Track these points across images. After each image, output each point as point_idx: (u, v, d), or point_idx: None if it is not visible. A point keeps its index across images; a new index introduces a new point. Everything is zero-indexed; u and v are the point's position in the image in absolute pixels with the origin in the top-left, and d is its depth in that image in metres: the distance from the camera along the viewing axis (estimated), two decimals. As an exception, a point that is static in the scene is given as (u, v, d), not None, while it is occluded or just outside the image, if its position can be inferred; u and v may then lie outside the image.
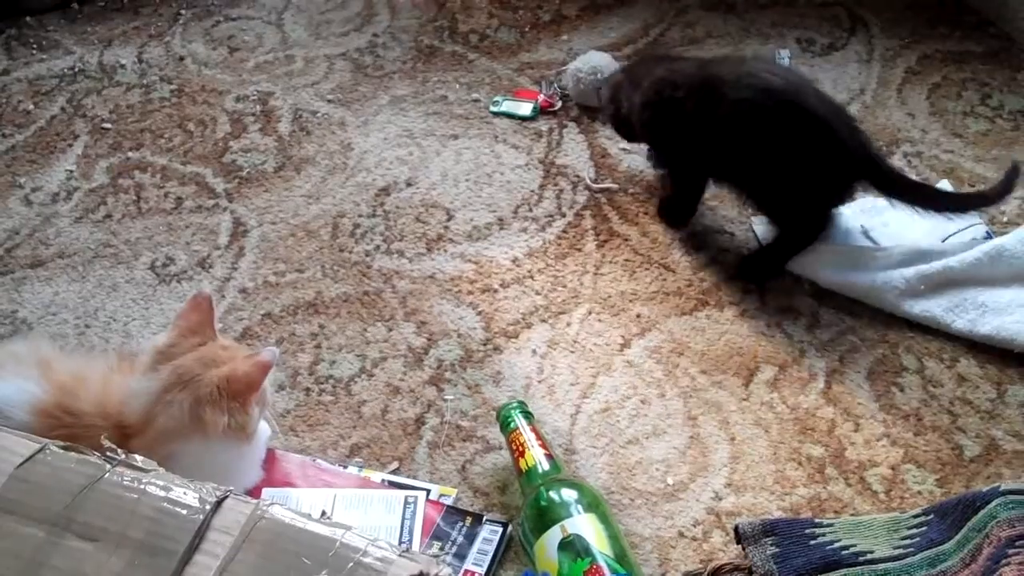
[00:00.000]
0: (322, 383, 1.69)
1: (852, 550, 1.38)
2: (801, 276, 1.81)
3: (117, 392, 1.37)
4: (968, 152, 2.02)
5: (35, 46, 2.34)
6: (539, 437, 1.51)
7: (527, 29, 2.35)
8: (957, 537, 1.37)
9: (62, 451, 1.08)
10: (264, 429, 1.50)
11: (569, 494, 1.44)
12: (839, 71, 2.20)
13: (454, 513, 1.50)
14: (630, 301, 1.80)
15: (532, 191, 1.99)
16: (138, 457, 1.08)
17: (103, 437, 1.10)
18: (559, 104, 2.15)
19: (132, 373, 1.40)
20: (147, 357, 1.40)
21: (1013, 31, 2.24)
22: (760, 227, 1.89)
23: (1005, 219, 1.89)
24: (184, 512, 1.03)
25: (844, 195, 1.80)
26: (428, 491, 1.53)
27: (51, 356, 1.44)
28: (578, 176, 2.01)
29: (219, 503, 1.04)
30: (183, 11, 2.42)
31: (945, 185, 1.91)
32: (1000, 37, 2.26)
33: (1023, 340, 1.67)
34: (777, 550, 1.39)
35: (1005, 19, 2.26)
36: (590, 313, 1.78)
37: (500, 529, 1.48)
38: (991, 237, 1.82)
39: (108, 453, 1.08)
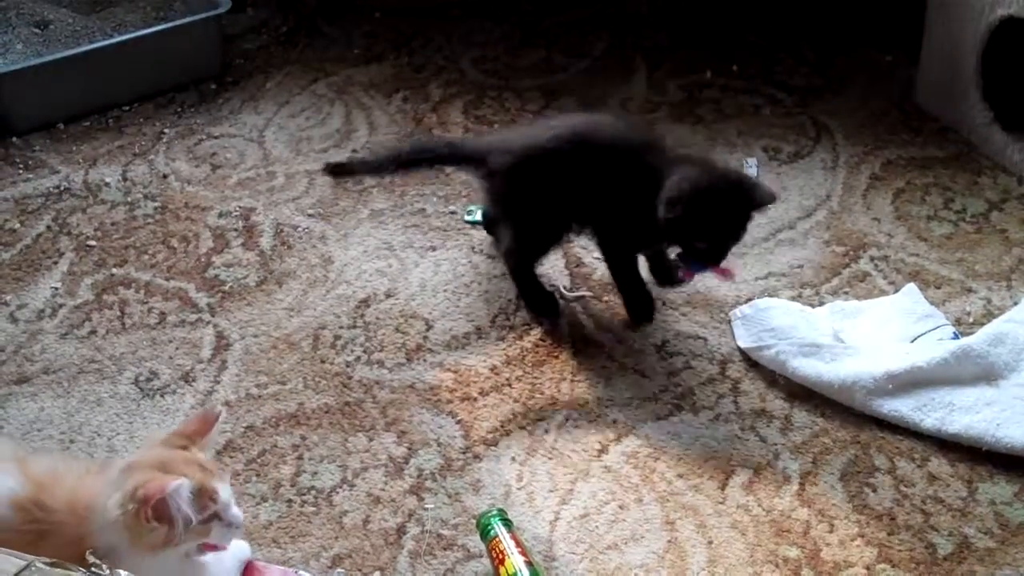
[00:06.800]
0: (304, 494, 1.70)
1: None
2: (774, 372, 1.85)
3: (89, 492, 1.36)
4: (933, 255, 2.08)
5: (21, 166, 2.38)
6: (519, 544, 1.53)
7: (502, 142, 2.40)
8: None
9: (47, 567, 1.10)
10: (244, 548, 1.51)
11: (549, 601, 1.46)
12: (805, 178, 2.26)
13: (436, 622, 1.52)
14: (606, 407, 1.83)
15: (509, 300, 2.02)
16: (122, 572, 1.10)
17: (88, 553, 1.12)
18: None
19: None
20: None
21: (973, 137, 2.31)
22: (739, 327, 1.93)
23: (971, 320, 1.94)
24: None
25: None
26: (410, 600, 1.54)
27: (24, 455, 1.45)
28: (553, 285, 2.05)
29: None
30: (166, 130, 2.48)
31: (912, 288, 1.96)
32: (960, 142, 2.33)
33: (991, 439, 1.70)
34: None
35: (964, 125, 2.33)
36: (567, 420, 1.81)
37: (481, 637, 1.50)
38: (958, 338, 1.86)
39: (92, 568, 1.10)
